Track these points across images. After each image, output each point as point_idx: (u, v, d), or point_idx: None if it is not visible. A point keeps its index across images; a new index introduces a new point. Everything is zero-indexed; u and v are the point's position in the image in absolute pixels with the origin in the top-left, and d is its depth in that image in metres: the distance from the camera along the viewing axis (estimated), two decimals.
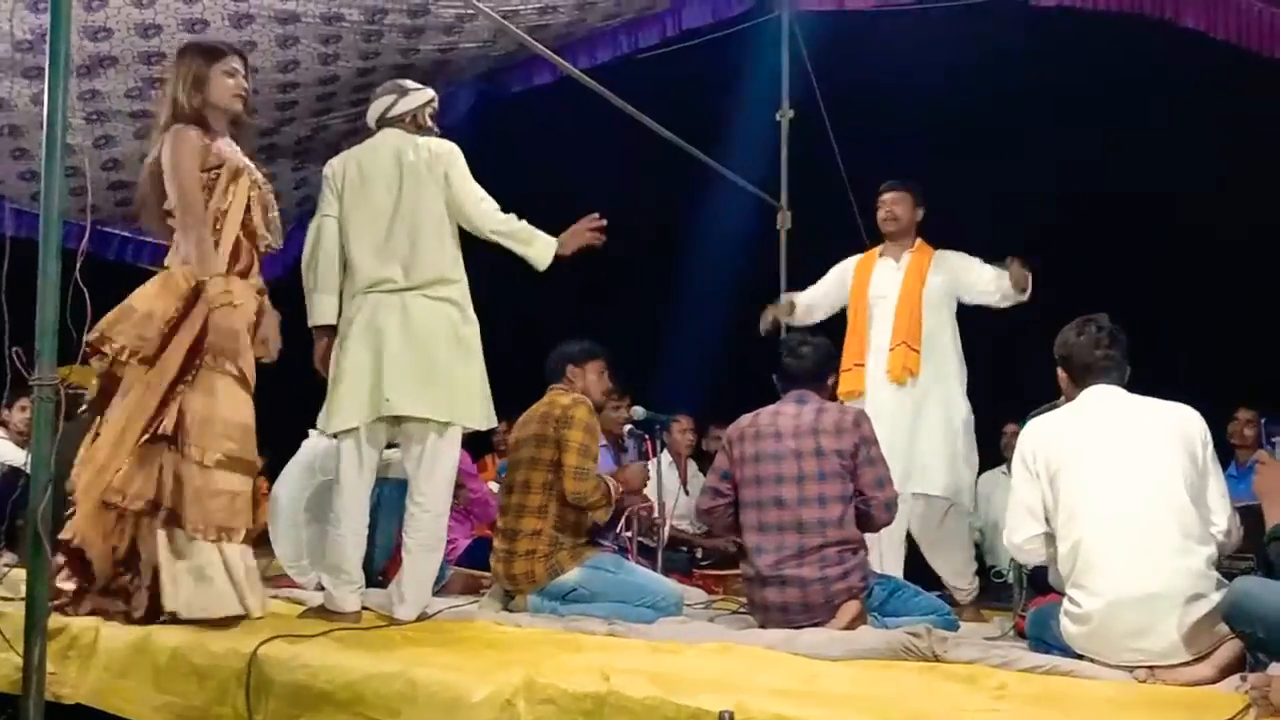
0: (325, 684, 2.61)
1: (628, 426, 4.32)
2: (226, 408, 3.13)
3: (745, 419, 3.61)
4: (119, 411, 3.12)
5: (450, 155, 3.50)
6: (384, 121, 3.59)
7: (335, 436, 3.49)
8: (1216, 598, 2.60)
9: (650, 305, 7.55)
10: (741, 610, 3.84)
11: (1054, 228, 4.33)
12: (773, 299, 7.25)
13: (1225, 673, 2.61)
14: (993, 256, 4.34)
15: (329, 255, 3.54)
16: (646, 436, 4.67)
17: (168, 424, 3.03)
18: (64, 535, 3.05)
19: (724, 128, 6.76)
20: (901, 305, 4.36)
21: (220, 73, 3.29)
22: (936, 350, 4.30)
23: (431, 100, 3.66)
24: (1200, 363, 5.48)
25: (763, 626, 3.40)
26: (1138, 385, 3.01)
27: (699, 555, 5.30)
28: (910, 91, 6.29)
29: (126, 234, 6.55)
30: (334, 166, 3.59)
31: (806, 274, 7.07)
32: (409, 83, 3.69)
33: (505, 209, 3.56)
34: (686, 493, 5.65)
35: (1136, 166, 5.93)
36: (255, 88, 5.56)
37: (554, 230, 3.59)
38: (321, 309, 3.56)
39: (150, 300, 3.14)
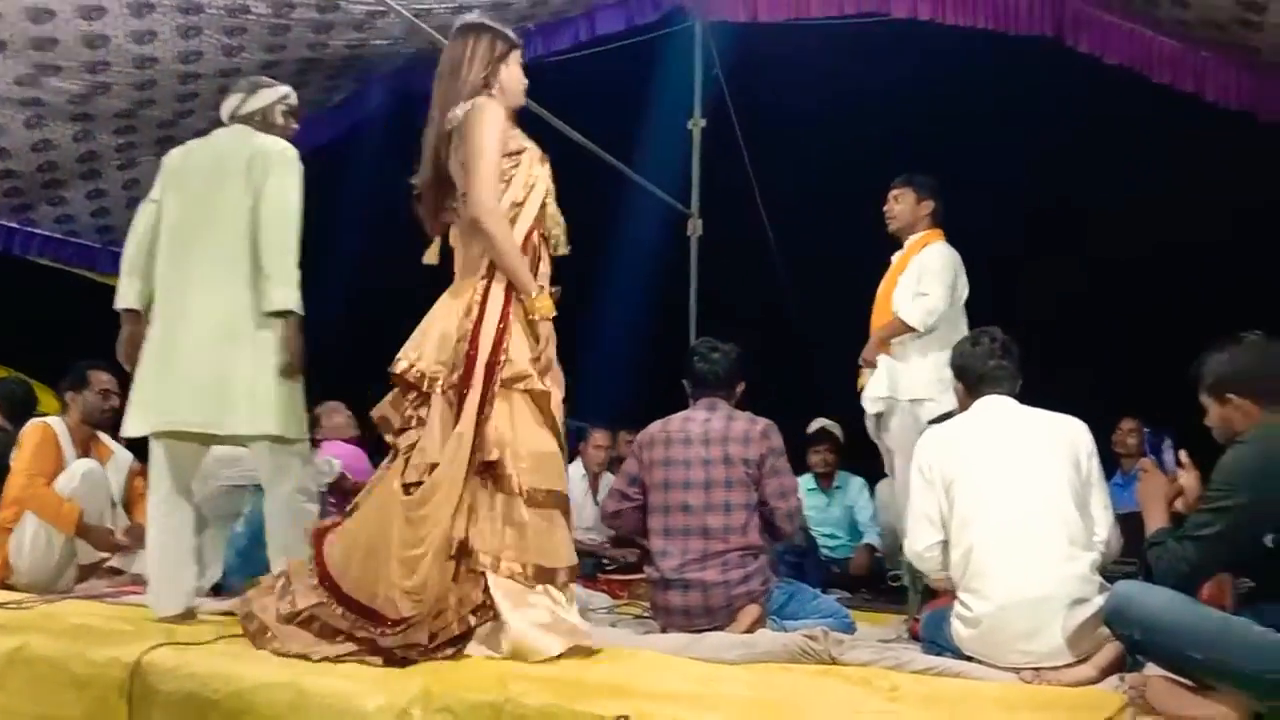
0: (212, 693, 2.53)
1: None
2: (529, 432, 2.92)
3: (656, 425, 3.62)
4: (430, 442, 2.86)
5: (279, 158, 3.29)
6: (234, 118, 3.47)
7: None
8: (1099, 601, 2.69)
9: (561, 310, 7.53)
10: (645, 614, 3.85)
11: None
12: (683, 306, 7.34)
13: (1106, 673, 2.71)
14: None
15: (140, 240, 3.41)
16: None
17: (491, 454, 2.82)
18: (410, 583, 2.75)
19: (637, 135, 6.79)
20: (875, 302, 4.39)
21: (515, 62, 3.13)
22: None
23: (284, 99, 3.53)
24: (1088, 374, 5.68)
25: (664, 630, 3.42)
26: (1030, 396, 3.11)
27: (605, 560, 5.29)
28: (821, 103, 6.40)
29: (14, 225, 6.29)
30: (171, 155, 3.48)
31: (717, 281, 7.16)
32: (264, 80, 3.58)
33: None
34: (596, 503, 5.64)
35: (1034, 184, 6.14)
36: (155, 78, 5.43)
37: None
38: (123, 292, 3.41)
39: (441, 320, 2.97)
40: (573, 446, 4.62)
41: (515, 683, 2.39)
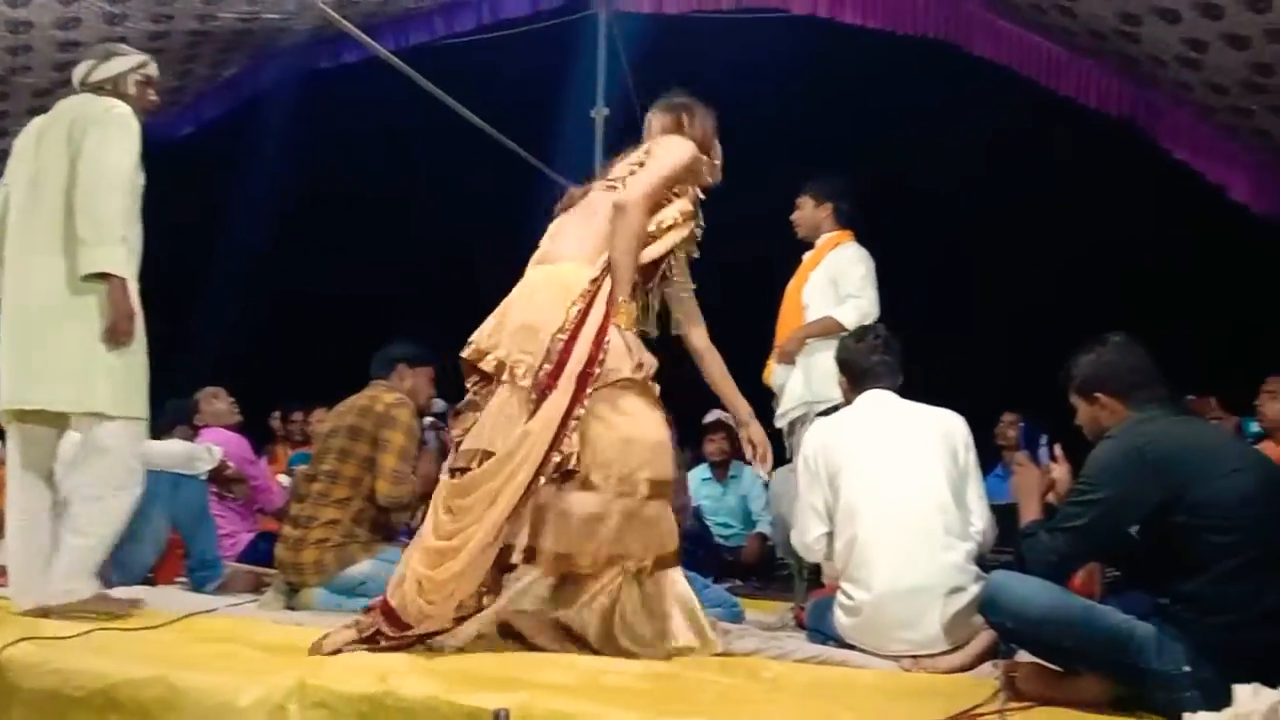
0: (77, 690, 2.42)
1: (428, 419, 4.23)
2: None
3: None
4: (483, 429, 2.72)
5: (100, 117, 3.15)
6: (84, 85, 3.31)
7: None
8: (975, 590, 2.77)
9: (460, 297, 7.43)
10: None
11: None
12: None
13: (980, 660, 2.80)
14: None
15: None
16: (446, 429, 4.58)
17: (571, 459, 2.66)
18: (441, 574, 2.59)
19: (541, 122, 6.73)
20: (785, 297, 4.40)
21: (714, 156, 3.16)
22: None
23: (139, 67, 3.38)
24: (974, 369, 5.86)
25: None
26: (916, 391, 3.18)
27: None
28: (724, 96, 6.41)
29: None
30: (26, 126, 3.34)
31: None
32: (120, 47, 3.44)
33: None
34: None
35: (924, 181, 6.28)
36: (30, 43, 5.16)
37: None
38: None
39: (527, 309, 2.80)
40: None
41: (395, 675, 2.35)
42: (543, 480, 2.62)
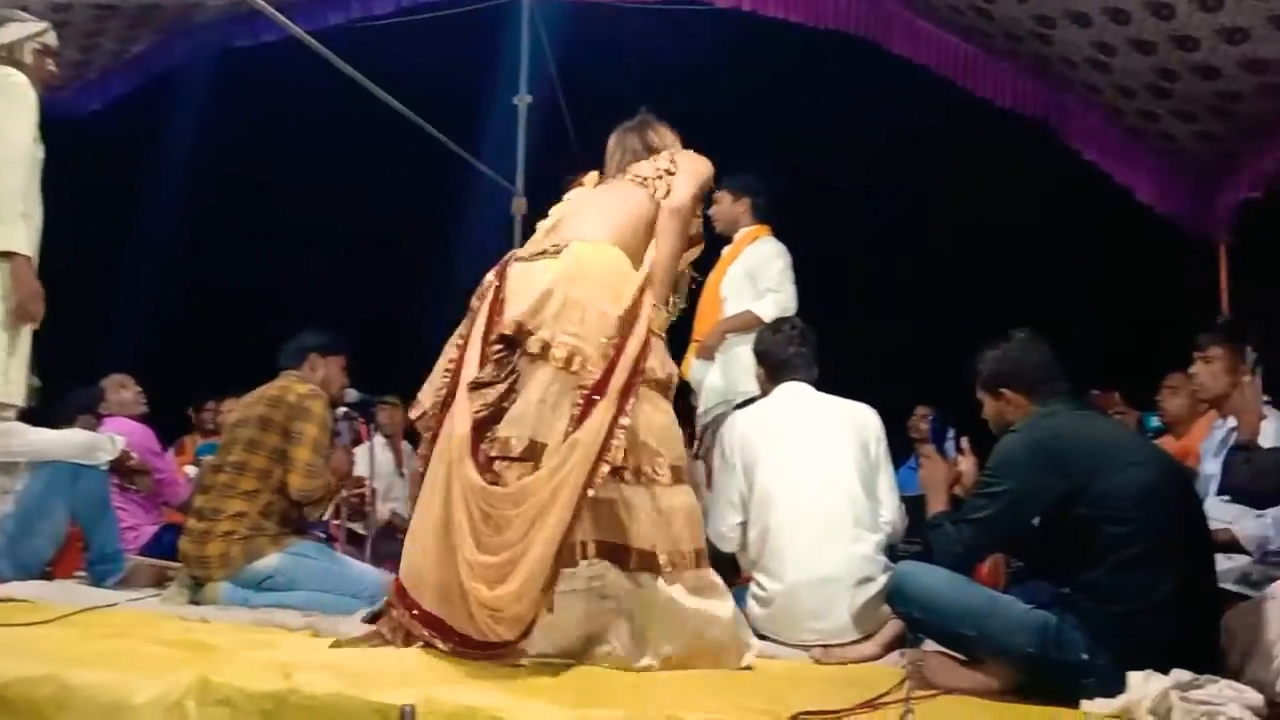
0: None
1: (341, 410, 4.15)
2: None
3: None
4: (527, 413, 2.57)
5: None
6: None
7: None
8: (884, 580, 2.82)
9: (380, 287, 7.33)
10: None
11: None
12: None
13: (889, 649, 2.86)
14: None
15: None
16: (360, 419, 4.51)
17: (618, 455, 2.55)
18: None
19: (463, 108, 6.64)
20: (704, 290, 4.36)
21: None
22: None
23: (37, 35, 3.26)
24: (892, 362, 5.96)
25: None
26: (832, 384, 3.22)
27: None
28: (648, 87, 6.41)
29: None
30: None
31: None
32: (16, 13, 3.30)
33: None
34: (402, 475, 5.51)
35: (843, 175, 6.36)
36: None
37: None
38: None
39: (605, 296, 2.65)
40: (371, 421, 4.52)
41: (300, 672, 2.29)
42: (591, 492, 2.52)
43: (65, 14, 5.32)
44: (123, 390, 4.59)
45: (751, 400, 3.41)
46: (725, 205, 4.48)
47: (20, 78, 3.06)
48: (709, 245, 4.48)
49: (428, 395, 2.81)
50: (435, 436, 2.73)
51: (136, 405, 4.60)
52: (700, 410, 4.34)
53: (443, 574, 2.56)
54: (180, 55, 6.21)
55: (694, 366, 4.36)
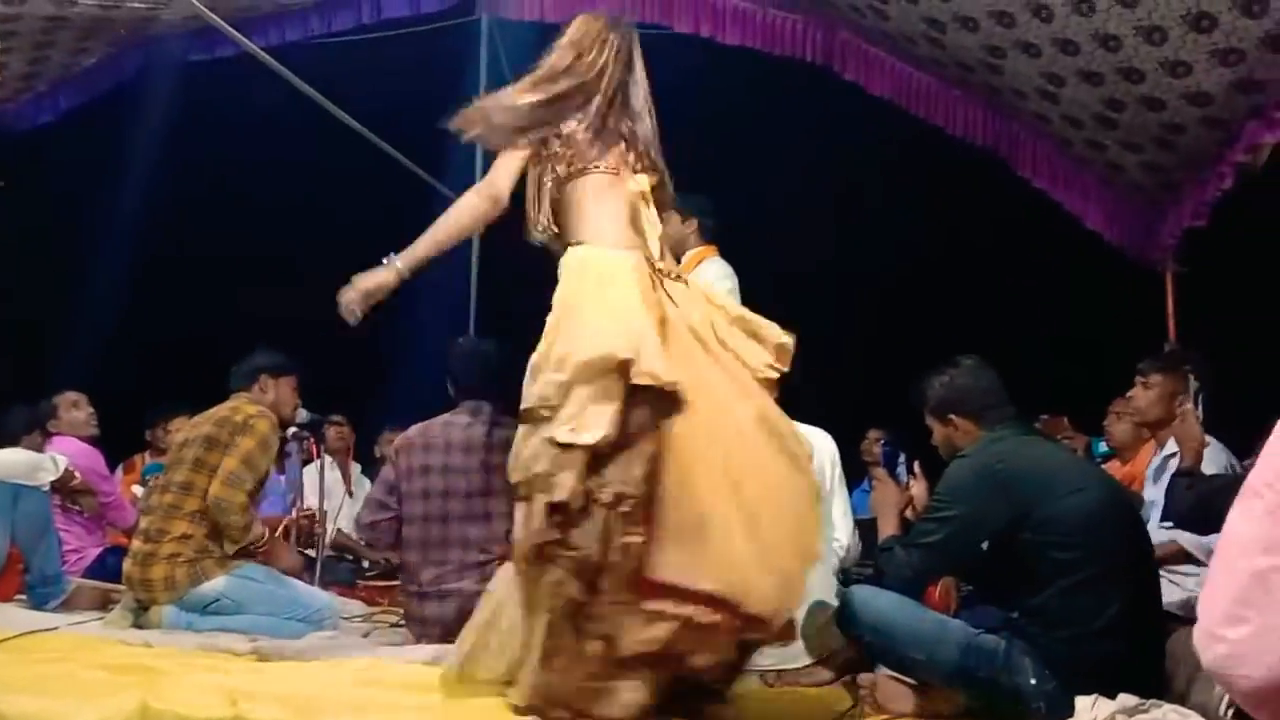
0: None
1: (291, 430, 4.09)
2: None
3: (414, 430, 3.51)
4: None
5: None
6: None
7: None
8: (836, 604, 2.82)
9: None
10: (400, 624, 3.73)
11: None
12: (462, 300, 7.19)
13: (841, 673, 2.85)
14: None
15: None
16: (310, 439, 4.45)
17: None
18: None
19: (424, 126, 6.61)
20: None
21: None
22: None
23: None
24: (844, 385, 6.00)
25: (420, 641, 3.32)
26: (790, 408, 3.22)
27: (365, 565, 5.11)
28: None
29: None
30: None
31: (499, 277, 7.07)
32: None
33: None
34: (350, 494, 5.45)
35: (796, 200, 6.42)
36: None
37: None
38: None
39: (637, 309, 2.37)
40: (321, 441, 4.48)
41: (245, 700, 2.26)
42: None
43: (13, 25, 5.24)
44: (75, 410, 4.48)
45: None
46: (674, 225, 4.49)
47: None
48: None
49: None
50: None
51: (88, 426, 4.49)
52: None
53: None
54: (134, 69, 6.12)
55: None
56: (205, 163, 6.55)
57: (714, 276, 4.35)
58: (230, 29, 4.45)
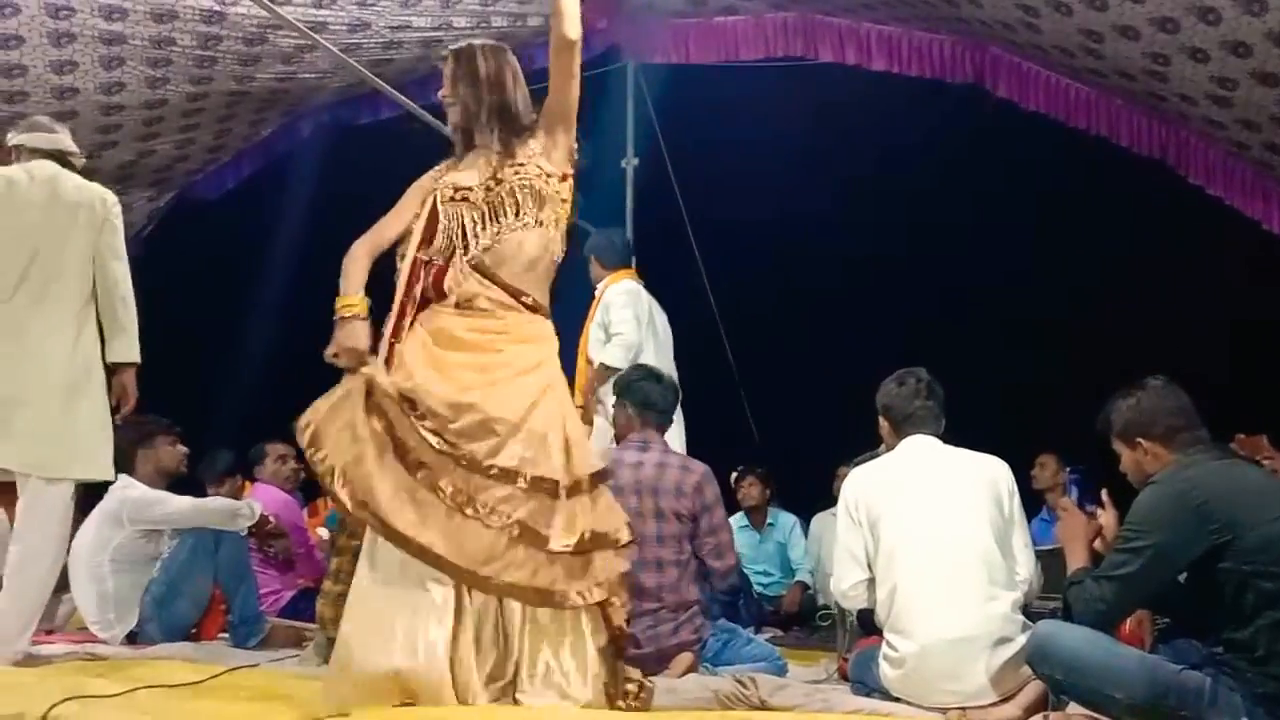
0: None
1: None
2: None
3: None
4: None
5: (112, 210, 3.41)
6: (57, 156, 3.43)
7: None
8: (1022, 640, 2.72)
9: None
10: None
11: (886, 278, 4.54)
12: None
13: (1030, 712, 2.74)
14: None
15: None
16: None
17: None
18: None
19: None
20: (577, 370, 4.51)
21: None
22: None
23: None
24: (1010, 412, 5.79)
25: None
26: (952, 435, 3.15)
27: None
28: (751, 144, 6.48)
29: None
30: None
31: None
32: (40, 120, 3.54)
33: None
34: None
35: (956, 225, 6.27)
36: (76, 109, 5.30)
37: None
38: None
39: None
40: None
41: None
42: None
43: (200, 102, 5.68)
44: (281, 463, 4.81)
45: (872, 455, 3.35)
46: (592, 271, 4.65)
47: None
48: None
49: None
50: None
51: (292, 480, 4.81)
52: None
53: None
54: (305, 132, 6.53)
55: (595, 433, 4.31)
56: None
57: (609, 303, 4.54)
58: (394, 93, 4.70)
